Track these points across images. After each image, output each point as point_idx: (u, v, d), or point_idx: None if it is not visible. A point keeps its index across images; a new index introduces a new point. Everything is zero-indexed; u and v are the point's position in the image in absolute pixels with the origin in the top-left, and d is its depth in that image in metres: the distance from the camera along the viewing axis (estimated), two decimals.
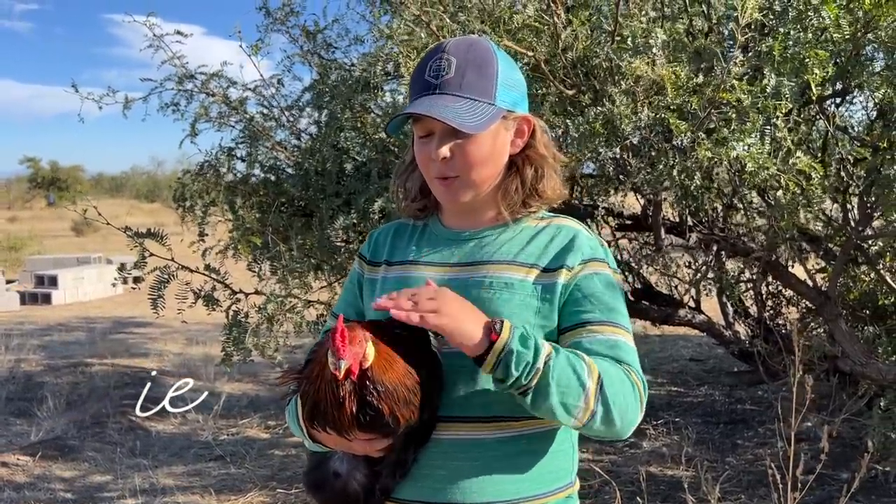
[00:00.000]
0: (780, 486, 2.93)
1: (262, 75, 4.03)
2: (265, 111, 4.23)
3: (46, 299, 13.65)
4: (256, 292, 3.60)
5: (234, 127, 4.18)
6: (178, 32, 4.45)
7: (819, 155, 3.60)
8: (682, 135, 2.34)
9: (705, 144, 2.33)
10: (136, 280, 3.52)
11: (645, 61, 2.19)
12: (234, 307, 3.52)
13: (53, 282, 13.86)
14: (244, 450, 5.36)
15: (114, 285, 3.47)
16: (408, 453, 1.30)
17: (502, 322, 1.21)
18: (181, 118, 3.89)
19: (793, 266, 4.85)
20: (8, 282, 14.05)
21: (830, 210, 4.28)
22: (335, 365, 1.12)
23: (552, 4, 2.33)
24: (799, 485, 2.85)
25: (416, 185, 1.50)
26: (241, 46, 3.66)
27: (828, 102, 3.63)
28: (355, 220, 3.13)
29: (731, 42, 2.23)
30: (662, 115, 2.28)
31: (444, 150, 1.35)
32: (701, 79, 2.27)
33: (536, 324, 1.33)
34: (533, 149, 1.44)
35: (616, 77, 2.27)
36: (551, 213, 1.48)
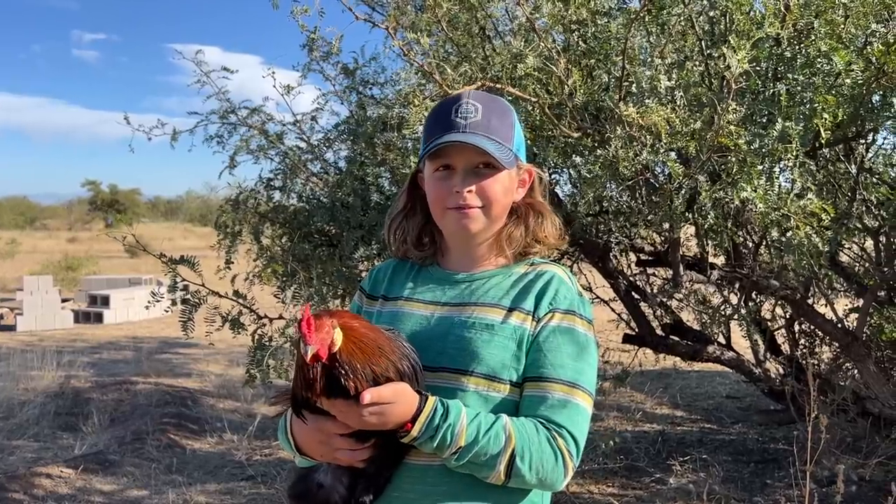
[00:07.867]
0: None
1: (293, 113, 4.23)
2: (302, 144, 4.42)
3: (98, 318, 14.13)
4: (280, 317, 3.76)
5: (272, 159, 4.38)
6: (225, 69, 4.70)
7: (844, 196, 3.61)
8: (680, 178, 2.41)
9: (705, 187, 2.40)
10: (174, 303, 3.71)
11: (640, 109, 2.28)
12: (259, 331, 3.68)
13: (105, 302, 14.34)
14: (275, 471, 5.49)
15: (147, 308, 3.65)
16: (383, 469, 1.40)
17: (418, 415, 1.32)
18: (222, 150, 4.10)
19: (825, 305, 4.80)
20: (63, 300, 14.59)
21: (859, 250, 4.25)
22: (304, 350, 1.24)
23: (556, 55, 2.45)
24: None
25: (415, 230, 1.61)
26: (274, 87, 3.86)
27: (855, 144, 3.65)
28: (376, 251, 3.27)
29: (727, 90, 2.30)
30: (662, 160, 2.37)
31: (469, 184, 1.48)
32: (698, 124, 2.35)
33: (512, 366, 1.43)
34: (534, 197, 1.59)
35: (618, 121, 2.36)
36: (542, 260, 1.58)
